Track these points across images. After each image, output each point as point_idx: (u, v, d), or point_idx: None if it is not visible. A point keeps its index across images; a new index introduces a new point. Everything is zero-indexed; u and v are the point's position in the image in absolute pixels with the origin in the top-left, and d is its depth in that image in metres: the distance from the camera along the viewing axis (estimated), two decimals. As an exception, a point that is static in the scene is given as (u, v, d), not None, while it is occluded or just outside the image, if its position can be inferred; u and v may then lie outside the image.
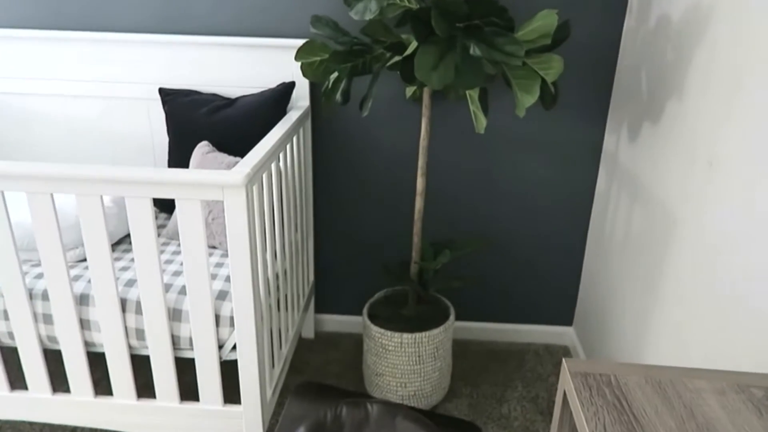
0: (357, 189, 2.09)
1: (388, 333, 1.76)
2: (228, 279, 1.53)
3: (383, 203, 2.11)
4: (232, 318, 1.43)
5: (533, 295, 2.23)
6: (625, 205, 1.77)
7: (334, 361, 2.13)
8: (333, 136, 2.02)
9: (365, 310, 1.87)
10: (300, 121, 1.81)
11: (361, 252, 2.19)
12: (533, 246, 2.15)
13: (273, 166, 1.54)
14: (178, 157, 1.83)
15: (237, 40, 1.85)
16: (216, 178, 1.24)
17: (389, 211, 2.12)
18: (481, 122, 1.60)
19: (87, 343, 1.47)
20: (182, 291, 1.46)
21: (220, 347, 1.46)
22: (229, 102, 1.84)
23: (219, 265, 1.61)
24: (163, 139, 1.99)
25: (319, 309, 2.30)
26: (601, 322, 1.93)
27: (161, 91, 1.89)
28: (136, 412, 1.51)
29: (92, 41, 1.90)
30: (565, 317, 2.26)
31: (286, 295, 1.78)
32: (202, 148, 1.72)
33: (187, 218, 1.29)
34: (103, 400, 1.50)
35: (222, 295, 1.46)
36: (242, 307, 1.37)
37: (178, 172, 1.25)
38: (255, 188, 1.37)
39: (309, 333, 2.25)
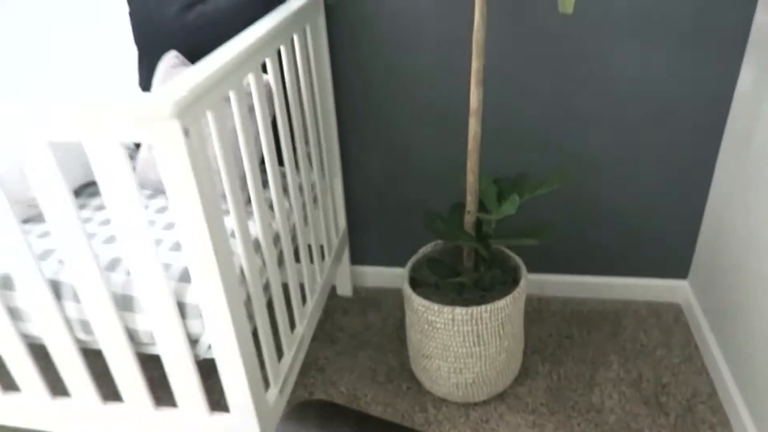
0: (393, 107, 1.57)
1: (435, 307, 1.29)
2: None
3: (430, 124, 1.58)
4: (202, 306, 1.01)
5: (633, 240, 1.67)
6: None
7: (374, 327, 1.71)
8: (357, 33, 1.48)
9: (406, 273, 1.40)
10: (301, 15, 1.28)
11: (404, 190, 1.70)
12: (634, 175, 1.57)
13: (252, 76, 1.04)
14: (148, 73, 1.36)
15: None
16: (128, 110, 0.77)
17: (439, 134, 1.59)
18: (569, -5, 1.01)
19: (25, 336, 1.11)
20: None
21: (194, 342, 1.05)
22: (207, -7, 1.33)
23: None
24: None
25: (356, 260, 1.86)
26: (735, 274, 1.37)
27: (124, -16, 1.40)
28: (99, 417, 1.16)
29: None
30: (678, 268, 1.70)
31: (297, 250, 1.34)
32: (170, 60, 1.24)
33: (106, 170, 0.84)
34: (61, 401, 1.16)
35: (187, 276, 1.03)
36: (209, 294, 0.94)
37: (74, 106, 0.79)
38: (209, 114, 0.89)
39: (345, 290, 1.83)
